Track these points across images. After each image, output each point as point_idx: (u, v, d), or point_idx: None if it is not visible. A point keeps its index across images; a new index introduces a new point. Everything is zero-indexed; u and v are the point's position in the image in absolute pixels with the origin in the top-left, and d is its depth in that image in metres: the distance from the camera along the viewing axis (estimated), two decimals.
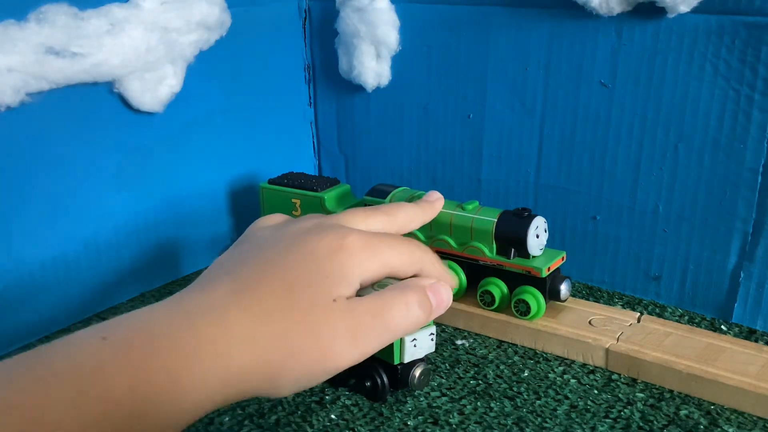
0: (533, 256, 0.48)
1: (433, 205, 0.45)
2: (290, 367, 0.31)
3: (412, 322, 0.34)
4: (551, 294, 0.49)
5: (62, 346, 0.28)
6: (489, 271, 0.50)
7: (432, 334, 0.40)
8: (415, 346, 0.39)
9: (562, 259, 0.49)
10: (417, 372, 0.41)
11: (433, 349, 0.40)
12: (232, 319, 0.30)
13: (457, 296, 0.51)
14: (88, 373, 0.26)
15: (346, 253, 0.33)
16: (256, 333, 0.30)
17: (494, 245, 0.49)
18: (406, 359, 0.40)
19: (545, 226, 0.49)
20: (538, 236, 0.48)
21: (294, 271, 0.32)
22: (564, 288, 0.49)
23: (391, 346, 0.40)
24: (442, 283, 0.36)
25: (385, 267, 0.35)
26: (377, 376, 0.41)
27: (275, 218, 0.39)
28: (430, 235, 0.51)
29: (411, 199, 0.52)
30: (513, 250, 0.48)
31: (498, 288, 0.49)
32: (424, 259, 0.37)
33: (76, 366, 0.27)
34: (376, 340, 0.33)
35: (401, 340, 0.39)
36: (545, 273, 0.47)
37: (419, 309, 0.34)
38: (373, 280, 0.35)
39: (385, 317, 0.33)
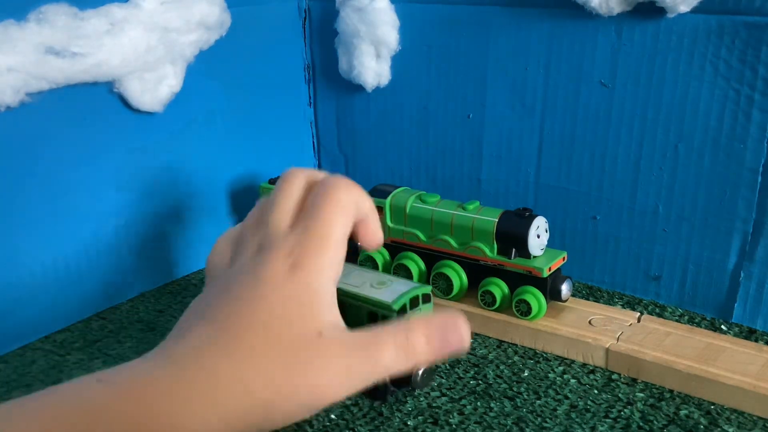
0: (534, 256, 0.48)
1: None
2: (281, 406, 0.30)
3: (405, 365, 0.32)
4: (552, 294, 0.49)
5: (62, 392, 0.29)
6: (490, 271, 0.50)
7: None
8: None
9: (563, 259, 0.49)
10: (420, 370, 0.41)
11: None
12: (216, 364, 0.30)
13: (458, 297, 0.51)
14: (89, 419, 0.27)
15: (300, 269, 0.32)
16: (243, 375, 0.30)
17: (495, 245, 0.49)
18: None
19: (546, 226, 0.49)
20: (539, 236, 0.48)
21: (265, 305, 0.32)
22: (565, 288, 0.49)
23: None
24: (445, 328, 0.33)
25: (344, 245, 0.34)
26: None
27: (221, 249, 0.37)
28: (431, 235, 0.51)
29: (411, 200, 0.52)
30: (514, 250, 0.48)
31: (499, 288, 0.49)
32: (358, 204, 0.35)
33: (77, 411, 0.27)
34: (366, 380, 0.32)
35: None
36: (546, 273, 0.47)
37: (417, 352, 0.32)
38: (343, 258, 0.34)
39: (377, 358, 0.31)
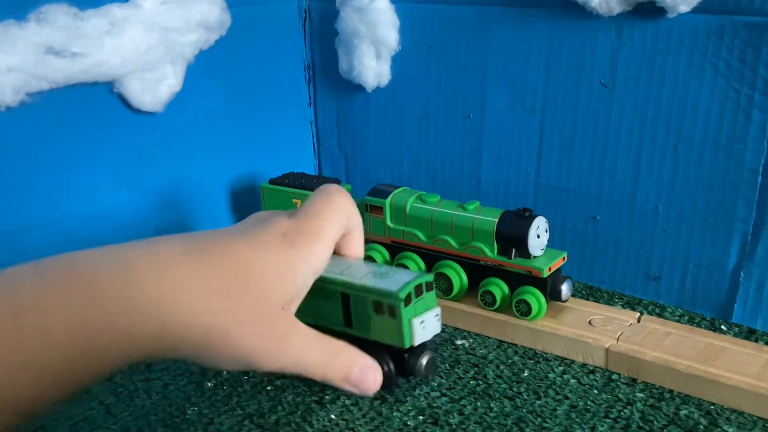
0: (534, 257, 0.48)
1: None
2: (229, 341, 0.30)
3: (319, 378, 0.34)
4: (552, 294, 0.49)
5: (1, 281, 0.28)
6: (490, 271, 0.50)
7: (437, 315, 0.40)
8: (423, 327, 0.39)
9: (563, 259, 0.49)
10: (424, 360, 0.41)
11: (439, 330, 0.41)
12: (178, 273, 0.30)
13: (458, 297, 0.51)
14: (28, 310, 0.27)
15: (291, 245, 0.34)
16: (207, 295, 0.30)
17: (495, 245, 0.49)
18: (417, 341, 0.40)
19: (546, 226, 0.49)
20: (539, 236, 0.48)
21: (248, 255, 0.32)
22: (565, 288, 0.49)
23: (399, 331, 0.39)
24: (374, 369, 0.36)
25: (332, 247, 0.36)
26: (384, 363, 0.41)
27: None
28: (431, 235, 0.51)
29: (413, 200, 0.52)
30: (514, 250, 0.48)
31: (499, 288, 0.49)
32: (353, 219, 0.38)
33: (16, 302, 0.27)
34: (294, 368, 0.33)
35: (410, 323, 0.39)
36: (546, 273, 0.47)
37: (335, 378, 0.34)
38: (328, 258, 0.35)
39: (309, 362, 0.33)
